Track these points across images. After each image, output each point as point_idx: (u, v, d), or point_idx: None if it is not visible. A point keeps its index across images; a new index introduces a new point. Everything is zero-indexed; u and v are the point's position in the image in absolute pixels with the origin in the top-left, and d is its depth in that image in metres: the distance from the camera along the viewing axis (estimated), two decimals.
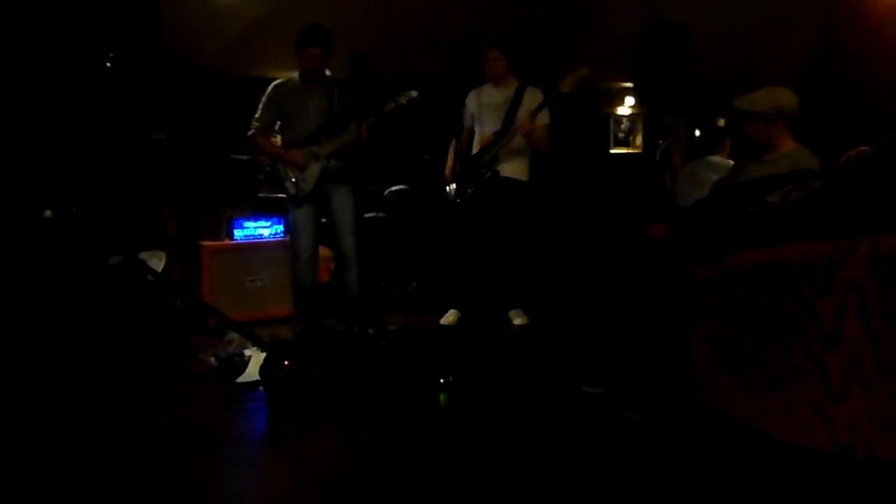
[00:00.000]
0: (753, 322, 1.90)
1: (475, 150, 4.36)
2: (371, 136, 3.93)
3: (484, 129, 4.33)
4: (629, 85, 7.99)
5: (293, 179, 3.97)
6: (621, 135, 8.29)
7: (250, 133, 4.14)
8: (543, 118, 4.21)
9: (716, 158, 4.46)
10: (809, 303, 1.63)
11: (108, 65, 3.32)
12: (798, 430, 1.68)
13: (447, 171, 4.48)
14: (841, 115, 4.35)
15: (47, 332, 3.40)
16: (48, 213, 4.05)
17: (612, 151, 8.27)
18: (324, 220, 4.13)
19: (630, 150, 8.29)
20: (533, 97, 4.23)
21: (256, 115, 4.12)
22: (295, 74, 4.06)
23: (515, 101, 4.24)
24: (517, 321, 4.37)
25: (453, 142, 4.53)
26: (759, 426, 1.88)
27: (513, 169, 4.28)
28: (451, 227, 4.60)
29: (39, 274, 3.85)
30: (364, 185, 4.64)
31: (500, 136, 4.23)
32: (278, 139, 4.36)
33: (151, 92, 4.83)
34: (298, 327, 4.15)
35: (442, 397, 2.90)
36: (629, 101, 8.23)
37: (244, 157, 5.91)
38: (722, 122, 4.47)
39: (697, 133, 8.17)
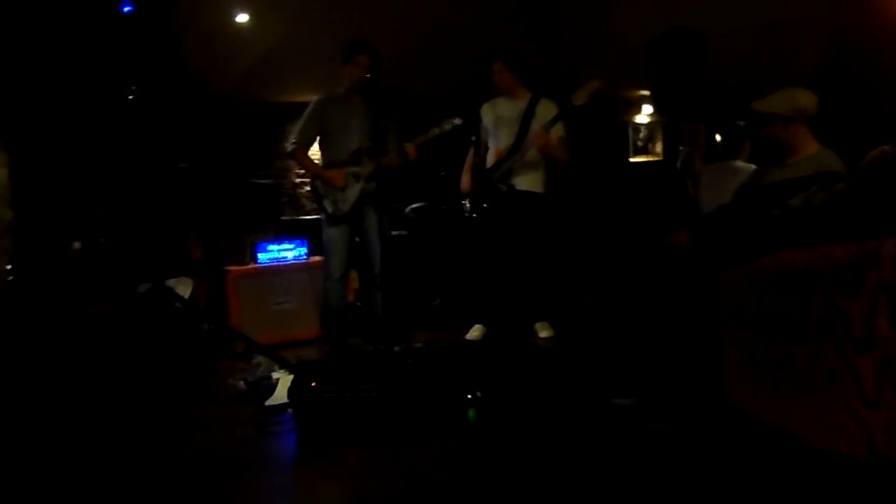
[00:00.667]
0: (783, 326, 1.87)
1: (490, 163, 4.34)
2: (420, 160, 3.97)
3: (498, 142, 4.32)
4: (646, 93, 7.98)
5: (332, 198, 3.99)
6: (640, 143, 8.25)
7: (290, 148, 4.13)
8: (558, 131, 4.19)
9: (738, 163, 4.41)
10: (838, 306, 1.60)
11: (131, 97, 3.38)
12: (833, 436, 1.64)
13: (462, 186, 4.48)
14: (861, 115, 4.29)
15: (79, 361, 3.46)
16: (77, 244, 4.14)
17: (631, 160, 8.23)
18: (357, 239, 4.13)
19: (650, 158, 8.25)
20: (547, 109, 4.22)
21: (297, 129, 4.12)
22: (339, 89, 4.03)
23: (528, 114, 4.23)
24: (543, 334, 4.34)
25: (469, 156, 4.53)
26: (792, 432, 1.84)
27: (528, 182, 4.27)
28: (468, 241, 4.59)
29: (71, 305, 3.93)
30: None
31: (515, 149, 4.22)
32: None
33: (174, 121, 4.93)
34: (325, 348, 4.17)
35: (471, 413, 2.89)
36: (647, 108, 8.20)
37: (266, 181, 5.99)
38: (742, 124, 4.42)
39: (718, 138, 8.11)
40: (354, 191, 3.97)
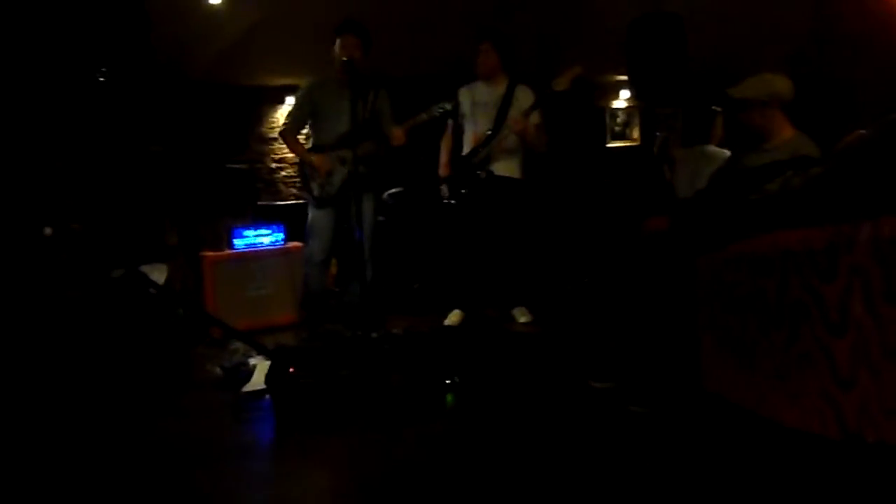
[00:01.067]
0: (758, 310, 1.89)
1: (467, 149, 4.32)
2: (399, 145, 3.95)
3: (476, 127, 4.29)
4: (624, 78, 7.99)
5: (319, 181, 3.95)
6: (618, 128, 8.29)
7: (281, 130, 4.16)
8: (535, 117, 4.19)
9: (710, 148, 4.45)
10: (813, 289, 1.62)
11: (102, 79, 3.31)
12: (807, 417, 1.67)
13: (441, 171, 4.46)
14: (836, 100, 4.34)
15: (52, 348, 3.40)
16: (48, 230, 4.05)
17: (609, 145, 8.27)
18: (344, 225, 4.08)
19: (627, 143, 8.29)
20: (525, 95, 4.21)
21: (289, 112, 4.14)
22: (332, 72, 3.97)
23: (507, 99, 4.21)
24: (521, 319, 4.36)
25: (445, 141, 4.50)
26: (767, 415, 1.87)
27: (506, 167, 4.26)
28: (446, 227, 4.59)
29: (42, 291, 3.86)
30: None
31: (493, 134, 4.21)
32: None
33: (147, 104, 4.83)
34: (303, 333, 4.15)
35: (449, 398, 2.90)
36: (625, 93, 8.23)
37: (242, 166, 5.92)
38: (719, 111, 4.46)
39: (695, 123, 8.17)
40: (341, 174, 3.93)
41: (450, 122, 4.45)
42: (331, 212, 4.00)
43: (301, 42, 5.66)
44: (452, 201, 4.33)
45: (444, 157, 4.45)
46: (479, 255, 4.44)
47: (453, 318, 4.38)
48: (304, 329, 4.17)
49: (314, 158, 3.95)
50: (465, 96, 4.39)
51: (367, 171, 3.93)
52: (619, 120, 8.30)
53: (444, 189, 4.40)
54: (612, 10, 5.66)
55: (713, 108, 4.51)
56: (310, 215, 4.06)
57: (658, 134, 8.06)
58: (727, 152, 4.20)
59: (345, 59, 3.76)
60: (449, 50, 6.10)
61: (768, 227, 1.87)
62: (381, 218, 5.53)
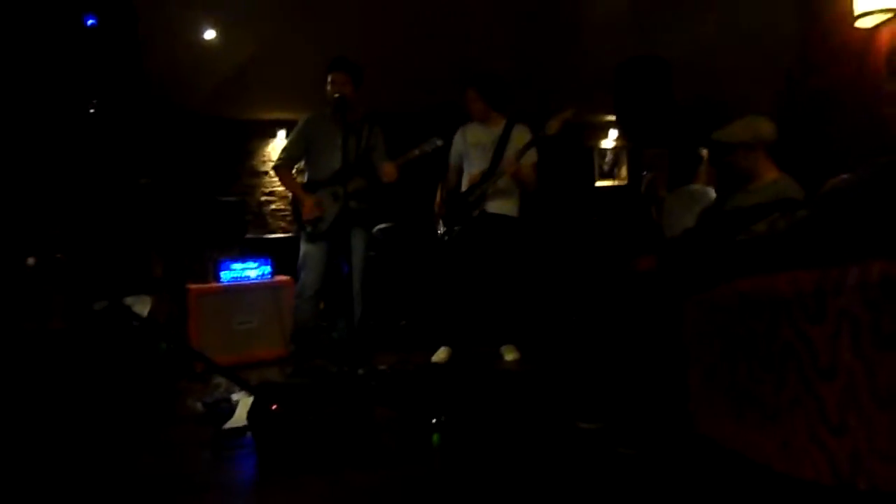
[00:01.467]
0: (747, 352, 1.88)
1: (464, 188, 4.36)
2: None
3: (472, 167, 4.35)
4: (612, 118, 8.11)
5: (311, 216, 3.94)
6: (606, 167, 8.37)
7: (275, 165, 4.16)
8: (531, 156, 4.24)
9: (697, 187, 4.49)
10: (802, 332, 1.62)
11: (92, 111, 3.31)
12: (797, 462, 1.65)
13: (437, 209, 4.49)
14: (820, 143, 4.41)
15: (33, 380, 3.33)
16: (31, 260, 4.01)
17: (597, 184, 8.34)
18: (335, 260, 4.07)
19: (615, 183, 8.37)
20: (521, 135, 4.27)
21: (284, 146, 4.13)
22: (327, 108, 3.98)
23: (503, 139, 4.27)
24: (509, 357, 4.33)
25: (441, 182, 4.55)
26: (758, 459, 1.84)
27: (501, 206, 4.29)
28: (439, 264, 4.58)
29: (24, 321, 3.80)
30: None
31: (489, 174, 4.25)
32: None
33: (137, 136, 4.83)
34: (288, 369, 4.09)
35: (435, 437, 2.85)
36: (613, 133, 8.34)
37: (231, 199, 5.91)
38: (704, 153, 4.52)
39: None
40: (332, 210, 3.93)
41: (451, 162, 4.51)
42: (323, 246, 3.99)
43: (293, 77, 5.71)
44: (446, 238, 4.34)
45: (439, 195, 4.49)
46: (469, 292, 4.43)
47: (441, 354, 4.34)
48: (290, 364, 4.11)
49: (304, 199, 3.95)
50: (459, 137, 4.46)
51: (360, 206, 3.94)
52: (607, 159, 8.39)
53: (440, 225, 4.42)
54: (600, 51, 5.76)
55: (699, 149, 4.57)
56: (302, 249, 4.04)
57: (645, 174, 8.15)
58: (713, 192, 4.25)
59: (336, 95, 3.79)
60: (442, 86, 6.19)
61: (756, 269, 1.88)
62: (371, 253, 5.54)
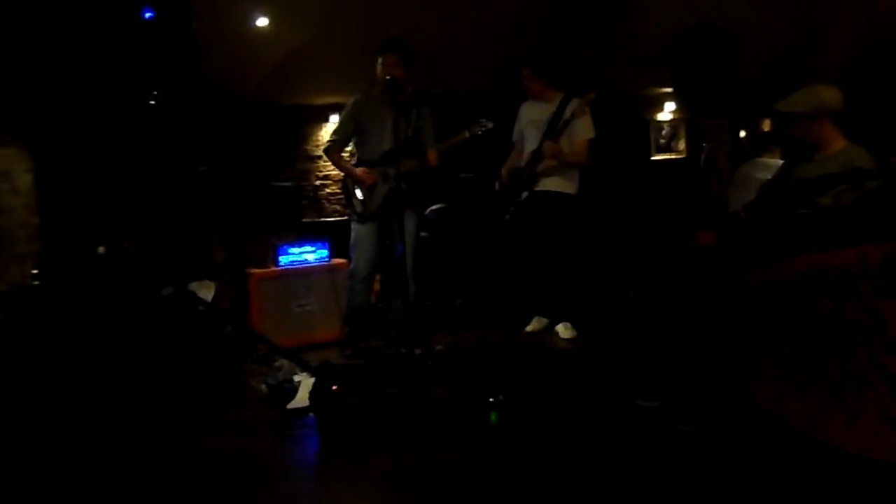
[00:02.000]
0: (812, 329, 1.82)
1: (522, 164, 4.38)
2: (442, 162, 3.99)
3: (528, 145, 4.36)
4: (668, 90, 7.89)
5: (360, 197, 3.99)
6: (663, 140, 8.16)
7: (325, 147, 4.18)
8: (586, 132, 4.22)
9: (766, 159, 4.35)
10: (871, 307, 1.56)
11: (153, 102, 3.41)
12: (867, 441, 1.59)
13: (496, 187, 4.50)
14: (890, 110, 4.20)
15: (104, 365, 3.49)
16: (101, 249, 4.18)
17: (653, 158, 8.15)
18: (387, 242, 4.12)
19: (673, 156, 8.16)
20: (574, 108, 4.20)
21: (334, 129, 4.16)
22: (375, 90, 3.98)
23: (556, 116, 4.22)
24: (565, 335, 4.30)
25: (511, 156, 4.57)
26: (823, 437, 1.79)
27: (556, 183, 4.27)
28: (496, 242, 4.59)
29: (96, 308, 3.97)
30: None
31: (536, 153, 4.23)
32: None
33: (196, 125, 4.96)
34: (347, 350, 4.16)
35: (493, 416, 2.87)
36: (669, 106, 8.11)
37: (287, 184, 6.01)
38: (767, 126, 4.36)
39: (742, 134, 8.01)
40: (382, 191, 3.96)
41: (515, 139, 4.53)
42: (373, 227, 4.03)
43: (344, 61, 5.74)
44: (506, 217, 4.34)
45: (504, 173, 4.51)
46: (525, 271, 4.45)
47: (535, 324, 4.46)
48: (348, 346, 4.19)
49: (359, 171, 3.98)
50: (522, 113, 4.47)
51: (410, 187, 3.95)
52: (663, 132, 8.18)
53: (498, 204, 4.44)
54: (657, 22, 5.60)
55: (761, 121, 4.42)
56: (353, 231, 4.09)
57: (704, 145, 7.92)
58: (780, 162, 4.10)
59: (387, 77, 3.79)
60: (492, 67, 6.13)
61: (821, 244, 1.81)
62: (423, 234, 5.57)
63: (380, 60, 3.89)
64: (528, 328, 4.48)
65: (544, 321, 4.49)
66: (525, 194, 4.28)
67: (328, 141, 4.15)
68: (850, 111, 2.81)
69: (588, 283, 5.04)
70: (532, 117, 4.36)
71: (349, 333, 4.18)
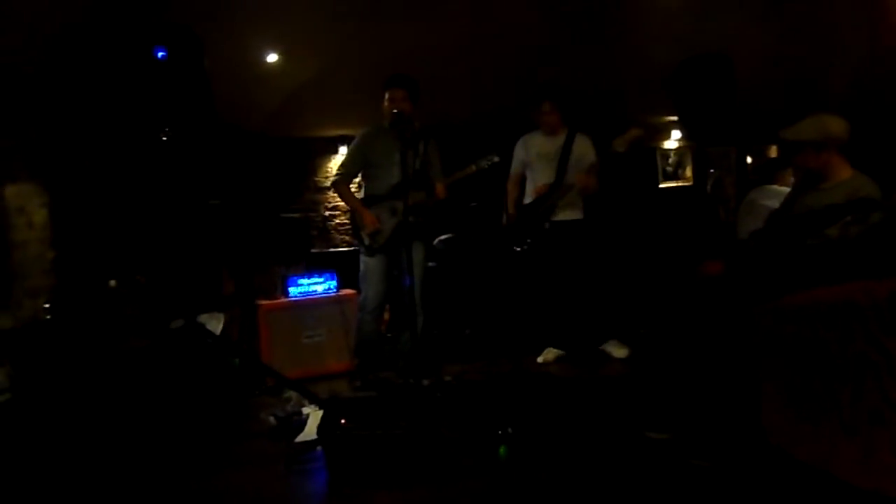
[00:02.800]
0: (821, 364, 1.82)
1: (530, 197, 4.42)
2: (448, 192, 4.03)
3: (537, 178, 4.39)
4: (675, 118, 7.94)
5: (369, 231, 4.02)
6: (669, 168, 8.19)
7: (333, 180, 4.22)
8: (593, 158, 4.29)
9: (774, 187, 4.35)
10: (879, 343, 1.55)
11: (165, 139, 3.47)
12: (880, 477, 1.58)
13: (505, 220, 4.54)
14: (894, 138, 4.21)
15: (114, 397, 3.51)
16: (113, 282, 4.22)
17: (661, 185, 8.17)
18: (395, 273, 4.14)
19: (680, 184, 8.18)
20: (583, 145, 4.32)
21: (342, 162, 4.21)
22: (384, 123, 4.03)
23: (566, 150, 4.30)
24: (619, 354, 4.36)
25: (510, 186, 4.59)
26: (835, 473, 1.77)
27: (570, 213, 4.37)
28: (512, 274, 4.65)
29: (107, 341, 4.00)
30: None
31: (555, 187, 4.29)
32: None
33: (206, 159, 5.02)
34: (356, 382, 4.16)
35: (502, 450, 2.84)
36: (675, 134, 8.16)
37: (296, 215, 6.07)
38: (774, 153, 4.38)
39: (749, 160, 8.03)
40: (390, 225, 3.99)
41: (513, 171, 4.56)
42: (383, 259, 4.05)
43: (352, 94, 5.83)
44: (517, 249, 4.37)
45: (510, 208, 4.53)
46: (543, 301, 4.50)
47: (549, 355, 4.46)
48: (357, 377, 4.18)
49: (364, 214, 4.01)
50: (522, 147, 4.50)
51: (418, 220, 3.98)
52: (670, 160, 8.21)
53: (511, 238, 4.47)
54: (662, 52, 5.65)
55: (767, 148, 4.44)
56: (362, 263, 4.12)
57: (711, 172, 7.94)
58: (787, 190, 4.10)
59: (395, 111, 3.84)
60: (497, 98, 6.20)
61: (827, 277, 1.81)
62: (431, 264, 5.58)
63: (387, 95, 3.94)
64: (540, 359, 4.47)
65: (556, 352, 4.49)
66: (546, 225, 4.31)
67: (336, 174, 4.19)
68: (854, 139, 2.82)
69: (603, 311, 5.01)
70: (540, 150, 4.41)
71: (359, 365, 4.18)
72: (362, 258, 4.12)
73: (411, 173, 3.84)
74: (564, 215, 4.34)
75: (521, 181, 4.54)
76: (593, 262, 4.44)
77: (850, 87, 5.09)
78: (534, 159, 4.43)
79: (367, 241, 4.03)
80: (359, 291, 4.25)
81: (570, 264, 4.34)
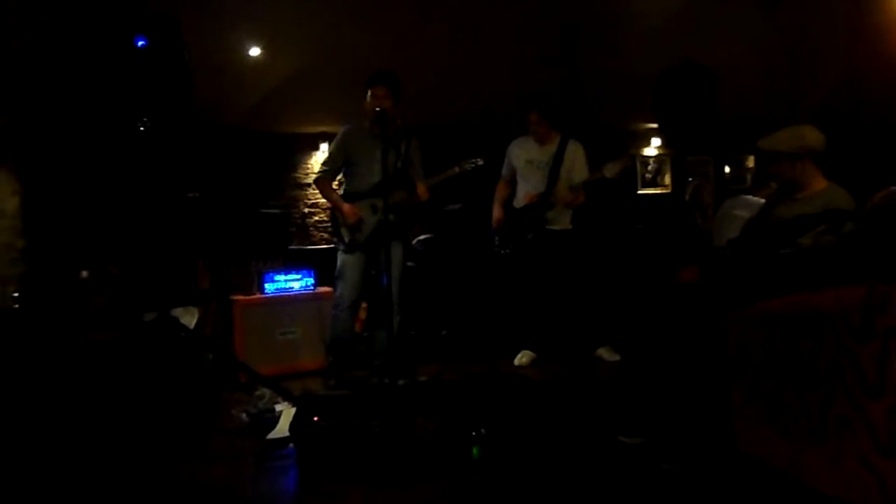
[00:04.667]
0: (791, 370, 1.84)
1: (520, 204, 4.46)
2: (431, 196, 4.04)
3: (528, 186, 4.43)
4: (655, 126, 8.01)
5: (349, 228, 3.99)
6: (649, 175, 8.27)
7: (316, 178, 4.23)
8: (581, 175, 4.36)
9: (750, 197, 4.40)
10: (848, 350, 1.57)
11: (142, 129, 3.42)
12: (846, 484, 1.60)
13: (494, 222, 4.56)
14: (870, 151, 4.29)
15: (83, 390, 3.45)
16: (85, 273, 4.15)
17: (640, 192, 8.24)
18: (373, 272, 4.13)
19: (659, 191, 8.25)
20: (575, 152, 4.38)
21: (325, 159, 4.20)
22: (365, 122, 4.01)
23: (558, 158, 4.35)
24: (612, 357, 4.40)
25: (498, 190, 4.62)
26: (803, 479, 1.80)
27: (559, 222, 4.42)
28: (496, 277, 4.76)
29: (76, 333, 3.93)
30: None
31: (545, 196, 4.33)
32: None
33: (185, 151, 4.96)
34: (330, 381, 4.13)
35: (475, 450, 2.84)
36: (655, 141, 8.23)
37: (275, 211, 6.01)
38: (751, 162, 4.45)
39: (727, 170, 8.12)
40: (371, 222, 3.97)
41: (504, 174, 4.60)
42: (360, 257, 4.03)
43: (335, 91, 5.79)
44: (503, 252, 4.41)
45: (497, 211, 4.55)
46: (524, 305, 4.56)
47: (523, 358, 4.47)
48: (332, 375, 4.15)
49: (345, 208, 3.99)
50: (516, 152, 4.53)
51: (398, 219, 3.98)
52: (649, 167, 8.28)
53: (497, 239, 4.52)
54: (643, 60, 5.71)
55: (745, 158, 4.52)
56: (339, 260, 4.09)
57: (690, 180, 8.01)
58: (762, 200, 4.15)
59: (377, 109, 3.82)
60: (479, 100, 6.21)
61: (800, 286, 1.83)
62: (410, 264, 5.56)
63: (369, 93, 3.92)
64: (516, 361, 4.49)
65: (531, 355, 4.51)
66: (531, 235, 4.37)
67: (319, 171, 4.17)
68: (832, 149, 2.87)
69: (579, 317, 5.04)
70: (529, 157, 4.44)
71: (332, 363, 4.15)
72: (340, 255, 4.09)
73: (392, 172, 3.83)
74: (557, 224, 4.40)
75: (511, 183, 4.57)
76: (582, 272, 4.49)
77: (827, 104, 5.18)
78: (523, 166, 4.46)
79: (347, 238, 4.01)
80: (335, 289, 4.22)
81: (558, 273, 4.38)
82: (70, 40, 4.03)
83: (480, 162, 4.05)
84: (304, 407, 2.76)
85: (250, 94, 6.19)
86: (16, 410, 3.25)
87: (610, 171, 4.17)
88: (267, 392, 3.57)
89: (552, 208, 4.35)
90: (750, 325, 2.15)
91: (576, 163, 4.38)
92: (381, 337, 4.13)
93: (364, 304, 4.50)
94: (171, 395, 3.64)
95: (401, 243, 4.11)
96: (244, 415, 3.34)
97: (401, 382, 3.77)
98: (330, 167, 4.12)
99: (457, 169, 4.02)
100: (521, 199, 4.47)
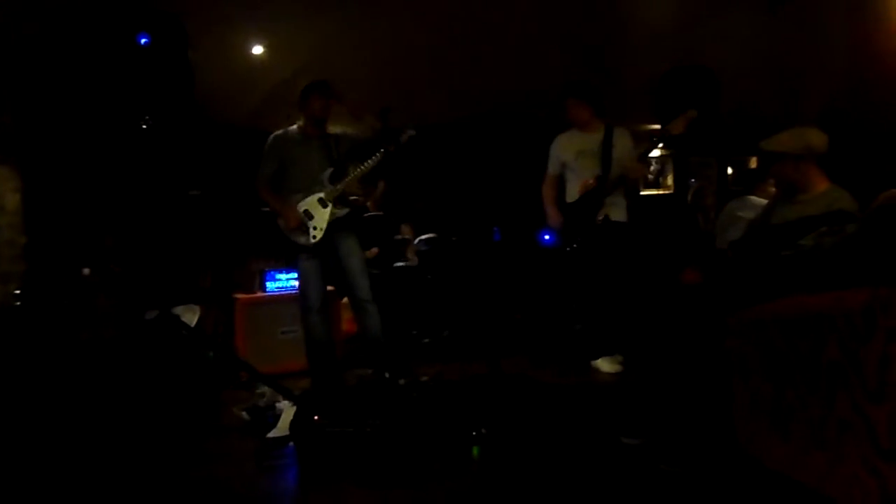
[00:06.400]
0: (793, 373, 1.83)
1: (575, 196, 4.32)
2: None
3: (583, 174, 4.29)
4: (657, 126, 7.99)
5: (304, 228, 3.88)
6: (651, 176, 8.26)
7: (256, 185, 4.04)
8: (634, 150, 4.29)
9: (753, 198, 4.40)
10: (850, 353, 1.57)
11: (145, 127, 3.42)
12: (847, 487, 1.59)
13: (551, 222, 4.45)
14: (872, 152, 4.28)
15: (84, 387, 3.46)
16: (86, 270, 4.15)
17: (642, 193, 8.23)
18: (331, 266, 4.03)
19: (661, 192, 8.24)
20: (623, 137, 4.30)
21: (260, 167, 4.03)
22: (294, 126, 4.03)
23: (607, 144, 4.25)
24: (611, 369, 4.20)
25: (546, 188, 4.52)
26: (804, 481, 1.79)
27: (617, 212, 4.29)
28: (563, 274, 4.55)
29: (78, 330, 3.93)
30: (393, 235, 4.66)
31: (604, 179, 4.20)
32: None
33: (187, 150, 4.97)
34: (324, 382, 4.06)
35: (475, 450, 2.84)
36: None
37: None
38: (754, 163, 4.44)
39: (730, 171, 8.11)
40: (324, 215, 3.90)
41: (550, 171, 4.49)
42: (318, 259, 3.94)
43: (338, 90, 5.77)
44: (567, 249, 4.28)
45: (552, 211, 4.45)
46: (595, 300, 4.36)
47: (614, 364, 4.21)
48: (313, 378, 4.10)
49: (287, 210, 3.89)
50: (562, 146, 4.43)
51: (345, 210, 3.94)
52: (652, 168, 8.27)
53: (560, 240, 4.38)
54: (645, 60, 5.70)
55: (748, 159, 4.50)
56: (300, 265, 3.98)
57: (692, 182, 8.01)
58: (765, 202, 4.15)
59: (318, 116, 3.89)
60: (481, 100, 6.20)
61: (802, 287, 1.83)
62: (413, 263, 5.56)
63: (311, 99, 3.93)
64: (606, 368, 4.23)
65: (615, 361, 4.25)
66: (600, 218, 4.20)
67: (257, 179, 4.02)
68: (834, 150, 2.86)
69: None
70: (581, 148, 4.33)
71: (312, 368, 4.02)
72: (300, 260, 3.96)
73: (336, 158, 3.85)
74: (616, 214, 4.26)
75: (558, 180, 4.47)
76: (639, 265, 4.37)
77: (829, 105, 5.17)
78: (575, 157, 4.34)
79: (303, 240, 3.92)
80: (302, 294, 4.01)
81: (618, 266, 4.24)
82: (73, 37, 4.04)
83: (413, 132, 3.90)
84: (304, 406, 2.76)
85: (253, 93, 6.18)
86: (17, 407, 3.26)
87: (676, 127, 4.04)
88: (268, 390, 3.58)
89: (611, 192, 4.22)
90: (751, 326, 2.14)
91: (625, 149, 4.26)
92: (369, 329, 4.02)
93: (344, 300, 4.42)
94: (172, 392, 3.65)
95: (354, 234, 4.01)
96: (244, 413, 3.34)
97: (402, 382, 3.77)
98: (265, 173, 3.98)
99: (392, 147, 3.87)
100: (574, 193, 4.33)
